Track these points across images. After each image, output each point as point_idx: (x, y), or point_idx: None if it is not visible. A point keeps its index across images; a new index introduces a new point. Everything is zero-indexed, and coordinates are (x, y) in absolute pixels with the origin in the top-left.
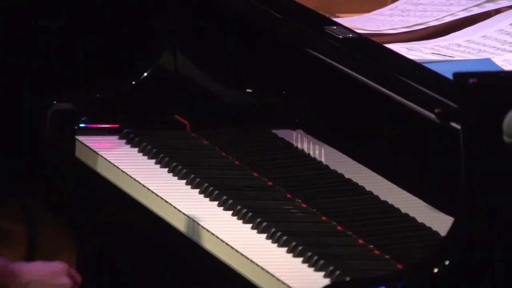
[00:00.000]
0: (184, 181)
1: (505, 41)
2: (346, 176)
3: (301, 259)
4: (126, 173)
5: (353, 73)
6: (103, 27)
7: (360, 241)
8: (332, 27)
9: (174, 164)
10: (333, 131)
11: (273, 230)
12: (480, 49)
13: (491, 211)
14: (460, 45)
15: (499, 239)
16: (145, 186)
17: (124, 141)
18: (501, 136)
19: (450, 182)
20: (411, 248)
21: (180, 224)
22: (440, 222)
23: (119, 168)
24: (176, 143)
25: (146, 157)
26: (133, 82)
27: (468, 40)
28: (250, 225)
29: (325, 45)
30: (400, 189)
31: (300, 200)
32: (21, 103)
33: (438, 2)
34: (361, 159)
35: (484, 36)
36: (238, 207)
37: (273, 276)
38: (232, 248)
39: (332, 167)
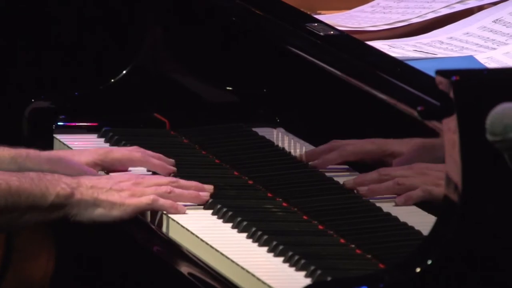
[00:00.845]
0: None
1: (487, 38)
2: (327, 175)
3: (282, 258)
4: None
5: (335, 71)
6: (81, 25)
7: (342, 241)
8: (313, 24)
9: None
10: (314, 129)
11: (253, 229)
12: (462, 46)
13: (474, 210)
14: (442, 42)
15: (482, 238)
16: None
17: (102, 139)
18: (484, 135)
19: None
20: (393, 247)
21: (159, 225)
22: (422, 221)
23: None
24: (156, 141)
25: None
26: (112, 80)
27: (451, 37)
28: (230, 224)
29: (306, 42)
30: None
31: (280, 199)
32: None
33: None
34: None
35: (467, 33)
36: (218, 206)
37: (253, 276)
38: (212, 247)
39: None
